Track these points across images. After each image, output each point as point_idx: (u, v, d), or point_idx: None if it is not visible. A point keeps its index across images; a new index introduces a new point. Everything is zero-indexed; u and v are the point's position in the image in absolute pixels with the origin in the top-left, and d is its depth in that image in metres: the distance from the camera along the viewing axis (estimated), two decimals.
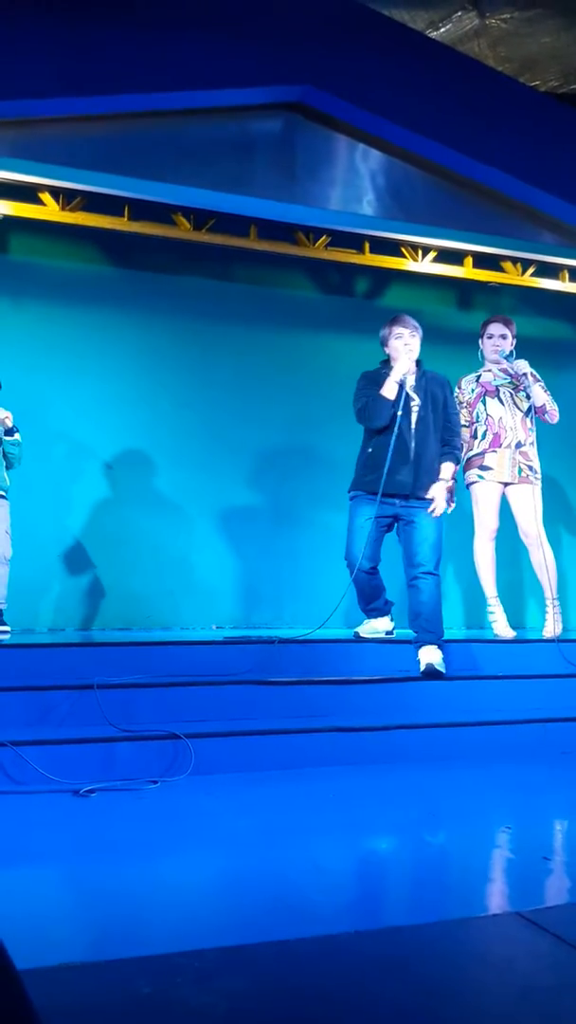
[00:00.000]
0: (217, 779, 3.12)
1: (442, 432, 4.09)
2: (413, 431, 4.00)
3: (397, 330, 4.09)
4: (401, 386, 4.00)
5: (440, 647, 3.87)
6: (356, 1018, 1.56)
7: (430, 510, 3.94)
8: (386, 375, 4.03)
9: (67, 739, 3.10)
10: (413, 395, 4.03)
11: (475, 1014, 1.60)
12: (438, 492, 3.97)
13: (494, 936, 1.95)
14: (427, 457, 3.98)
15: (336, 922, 1.99)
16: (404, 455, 3.96)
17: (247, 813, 2.83)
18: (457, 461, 4.14)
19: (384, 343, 4.16)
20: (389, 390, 3.99)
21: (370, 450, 4.05)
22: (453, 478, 4.09)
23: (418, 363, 4.09)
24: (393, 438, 3.93)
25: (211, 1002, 1.57)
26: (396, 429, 3.94)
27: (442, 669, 3.81)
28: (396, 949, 1.85)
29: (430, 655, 3.83)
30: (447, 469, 4.06)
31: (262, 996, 1.61)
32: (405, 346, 4.04)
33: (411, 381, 4.04)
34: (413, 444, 3.97)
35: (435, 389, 4.10)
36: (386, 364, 4.13)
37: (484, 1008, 1.62)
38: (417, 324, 4.14)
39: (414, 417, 4.01)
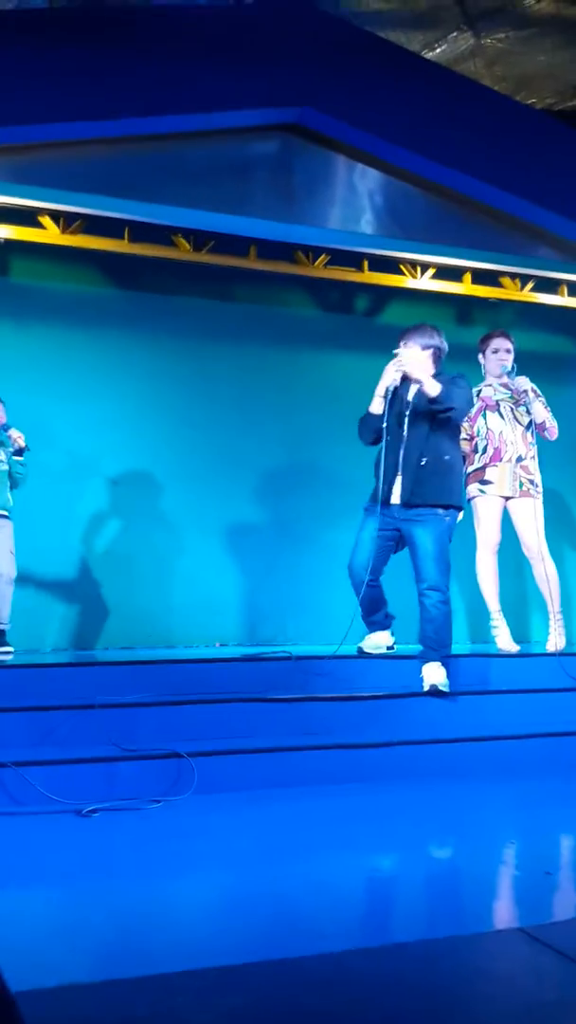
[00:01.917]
0: (220, 798, 3.11)
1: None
2: (405, 441, 3.91)
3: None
4: (391, 397, 3.94)
5: (444, 664, 3.84)
6: None
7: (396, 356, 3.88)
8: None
9: (69, 759, 3.10)
10: (411, 403, 3.95)
11: None
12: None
13: (497, 952, 1.94)
14: (420, 467, 3.86)
15: (339, 939, 1.98)
16: (396, 465, 3.90)
17: (250, 832, 2.82)
18: (445, 394, 3.84)
19: None
20: (375, 405, 3.96)
21: (375, 460, 4.02)
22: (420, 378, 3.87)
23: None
24: (383, 449, 3.90)
25: (211, 1021, 1.56)
26: (388, 440, 3.90)
27: (445, 688, 3.78)
28: (399, 966, 1.84)
29: (433, 674, 3.80)
30: (429, 383, 3.85)
31: (262, 1015, 1.61)
32: (394, 359, 3.95)
33: (413, 390, 3.95)
34: (403, 454, 3.89)
35: (424, 398, 3.97)
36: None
37: None
38: (417, 333, 4.01)
39: (407, 427, 3.91)
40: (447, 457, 3.92)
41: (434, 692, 3.76)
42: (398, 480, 3.89)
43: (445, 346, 4.07)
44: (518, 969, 1.84)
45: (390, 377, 3.94)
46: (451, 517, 3.90)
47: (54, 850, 2.61)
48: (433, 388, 3.84)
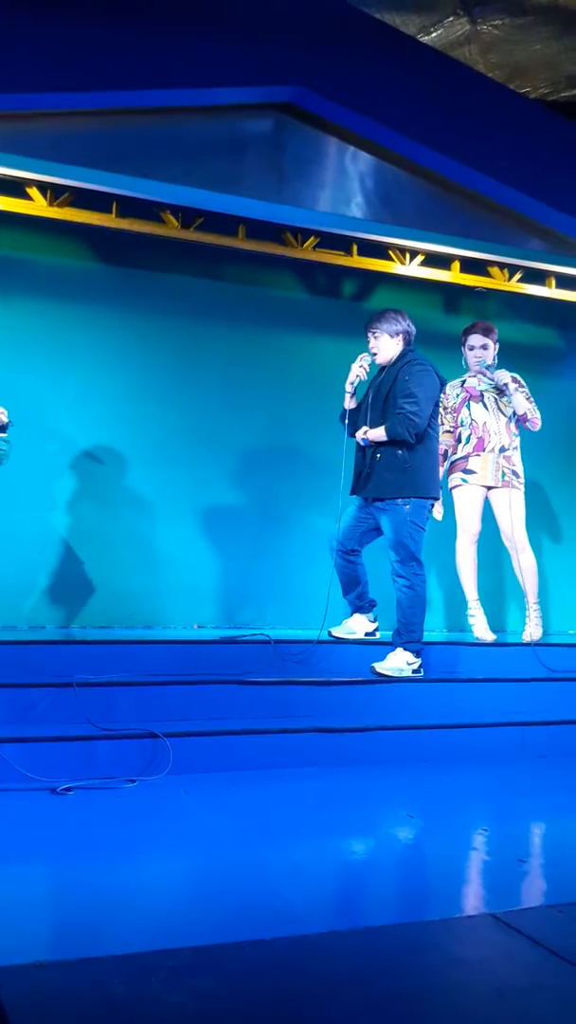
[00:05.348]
0: (195, 778, 3.12)
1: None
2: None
3: None
4: (358, 390, 4.15)
5: (410, 649, 3.87)
6: (330, 1018, 1.57)
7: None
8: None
9: (45, 737, 3.09)
10: (371, 396, 4.10)
11: (449, 1014, 1.61)
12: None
13: (468, 937, 1.96)
14: (375, 461, 3.97)
15: (312, 922, 1.99)
16: (360, 458, 4.08)
17: (225, 813, 2.83)
18: (390, 431, 3.90)
19: None
20: (346, 401, 4.15)
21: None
22: (370, 441, 3.98)
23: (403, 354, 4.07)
24: (350, 442, 4.10)
25: (184, 1001, 1.57)
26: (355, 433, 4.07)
27: (391, 673, 3.81)
28: (371, 949, 1.86)
29: (391, 658, 3.85)
30: (374, 431, 3.96)
31: (236, 996, 1.62)
32: (360, 355, 4.13)
33: (379, 379, 4.09)
34: (363, 448, 4.06)
35: (388, 381, 4.04)
36: None
37: (458, 1008, 1.63)
38: (384, 321, 4.08)
39: (368, 421, 4.06)
40: (400, 452, 3.93)
41: (373, 672, 3.83)
42: (363, 473, 4.05)
43: (413, 328, 4.16)
44: (489, 954, 1.86)
45: (354, 373, 4.12)
46: (411, 506, 3.90)
47: (28, 827, 2.60)
48: (380, 435, 3.95)
